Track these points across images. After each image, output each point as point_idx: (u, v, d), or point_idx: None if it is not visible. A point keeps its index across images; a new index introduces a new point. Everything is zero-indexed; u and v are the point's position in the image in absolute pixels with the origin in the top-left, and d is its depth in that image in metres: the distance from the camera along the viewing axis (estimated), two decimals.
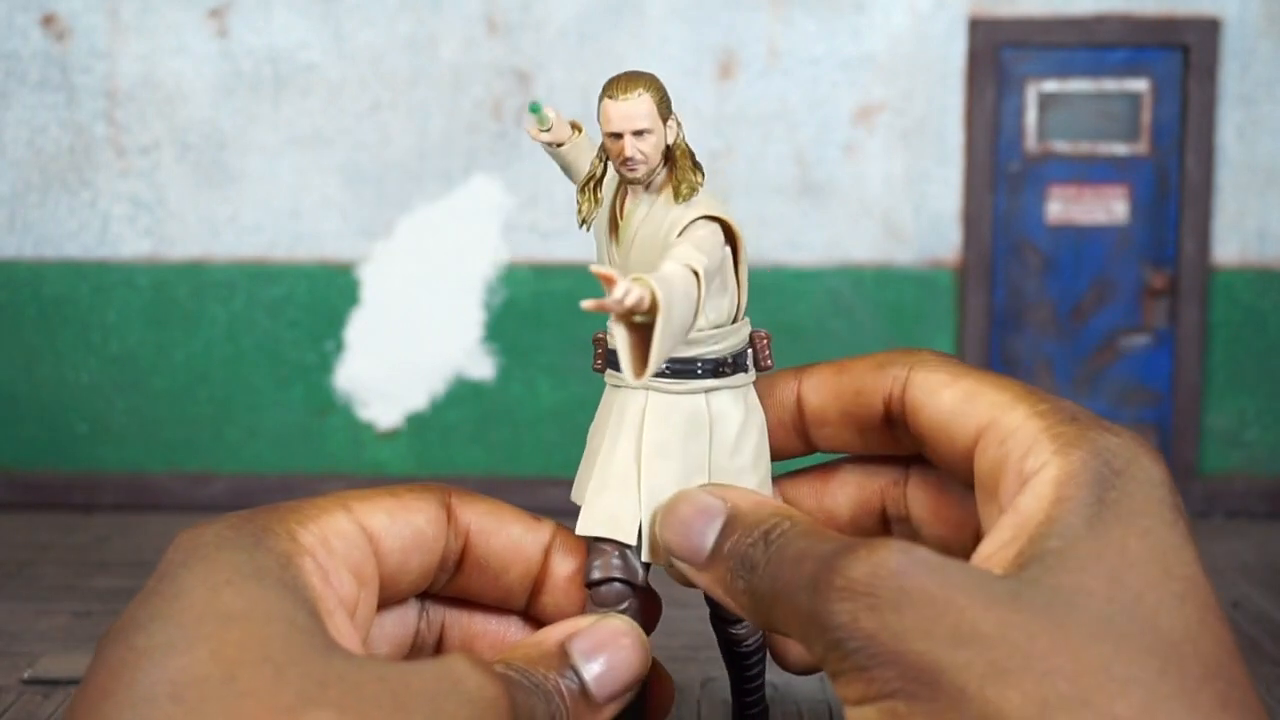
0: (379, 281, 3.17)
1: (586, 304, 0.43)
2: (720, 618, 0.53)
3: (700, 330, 0.51)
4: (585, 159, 0.52)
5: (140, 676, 0.33)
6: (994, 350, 3.34)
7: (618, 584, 0.48)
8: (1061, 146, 3.24)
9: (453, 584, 0.47)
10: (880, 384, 0.49)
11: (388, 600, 0.44)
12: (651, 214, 0.51)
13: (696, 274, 0.46)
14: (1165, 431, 3.39)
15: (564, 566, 0.49)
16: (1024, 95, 3.17)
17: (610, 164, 0.51)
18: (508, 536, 0.47)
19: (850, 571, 0.36)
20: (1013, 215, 3.25)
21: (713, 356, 0.51)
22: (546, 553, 0.48)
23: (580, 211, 0.50)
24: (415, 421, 3.30)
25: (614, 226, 0.50)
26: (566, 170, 0.53)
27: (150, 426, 3.25)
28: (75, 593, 2.36)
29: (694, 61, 3.16)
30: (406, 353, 3.25)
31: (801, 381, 0.50)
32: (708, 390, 0.50)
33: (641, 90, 0.49)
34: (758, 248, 3.33)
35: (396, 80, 3.12)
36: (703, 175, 0.51)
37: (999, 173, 3.21)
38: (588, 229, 0.51)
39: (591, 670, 0.42)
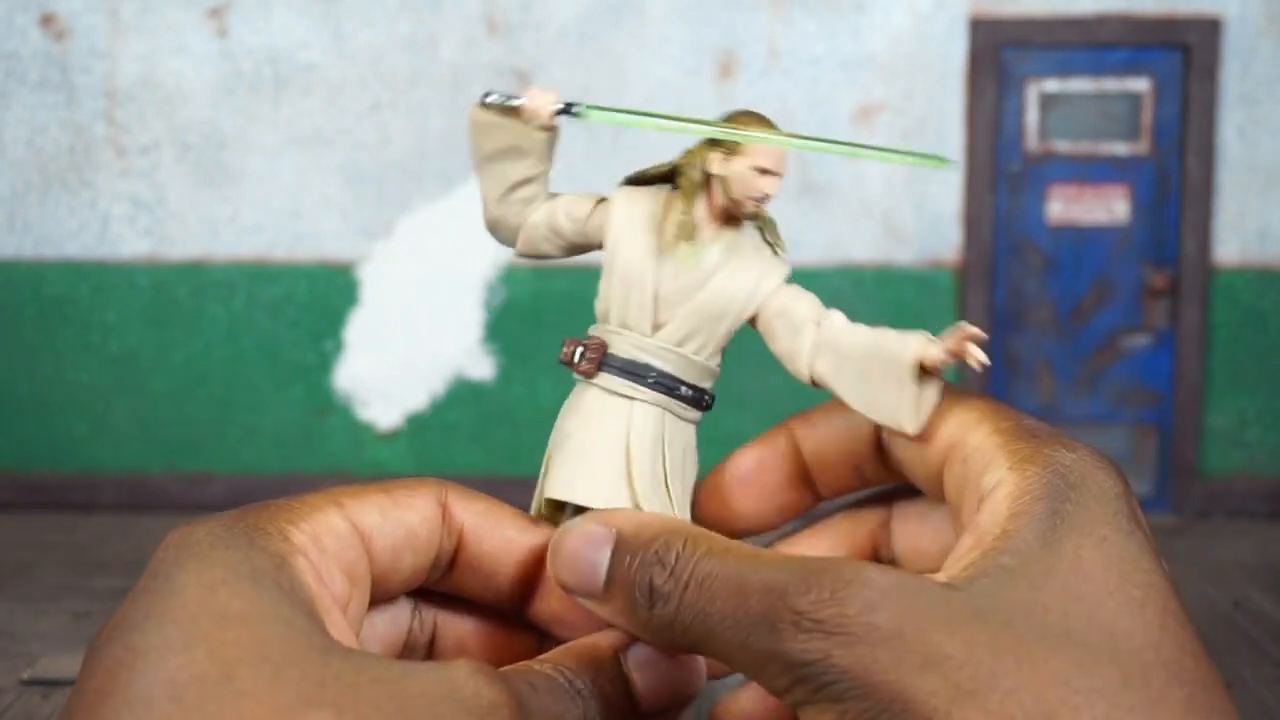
0: (379, 281, 3.17)
1: (981, 360, 0.46)
2: None
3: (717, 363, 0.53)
4: (550, 152, 0.51)
5: (137, 677, 0.33)
6: (994, 350, 3.34)
7: None
8: (1062, 146, 3.24)
9: (445, 581, 0.47)
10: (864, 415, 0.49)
11: (377, 598, 0.44)
12: (745, 251, 0.52)
13: None
14: (1166, 431, 3.39)
15: None
16: (1024, 95, 3.17)
17: (696, 181, 0.51)
18: (501, 538, 0.47)
19: (816, 614, 0.37)
20: (1013, 215, 3.25)
21: (712, 391, 0.53)
22: (541, 557, 0.48)
23: (687, 229, 0.51)
24: (415, 421, 3.30)
25: (690, 238, 0.51)
26: (515, 152, 0.52)
27: (150, 426, 3.25)
28: (75, 593, 2.36)
29: (694, 61, 3.16)
30: (406, 353, 3.25)
31: (794, 431, 0.51)
32: (694, 424, 0.52)
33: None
34: None
35: (396, 80, 3.12)
36: None
37: (999, 173, 3.21)
38: (689, 244, 0.51)
39: (643, 681, 0.42)
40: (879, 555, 0.51)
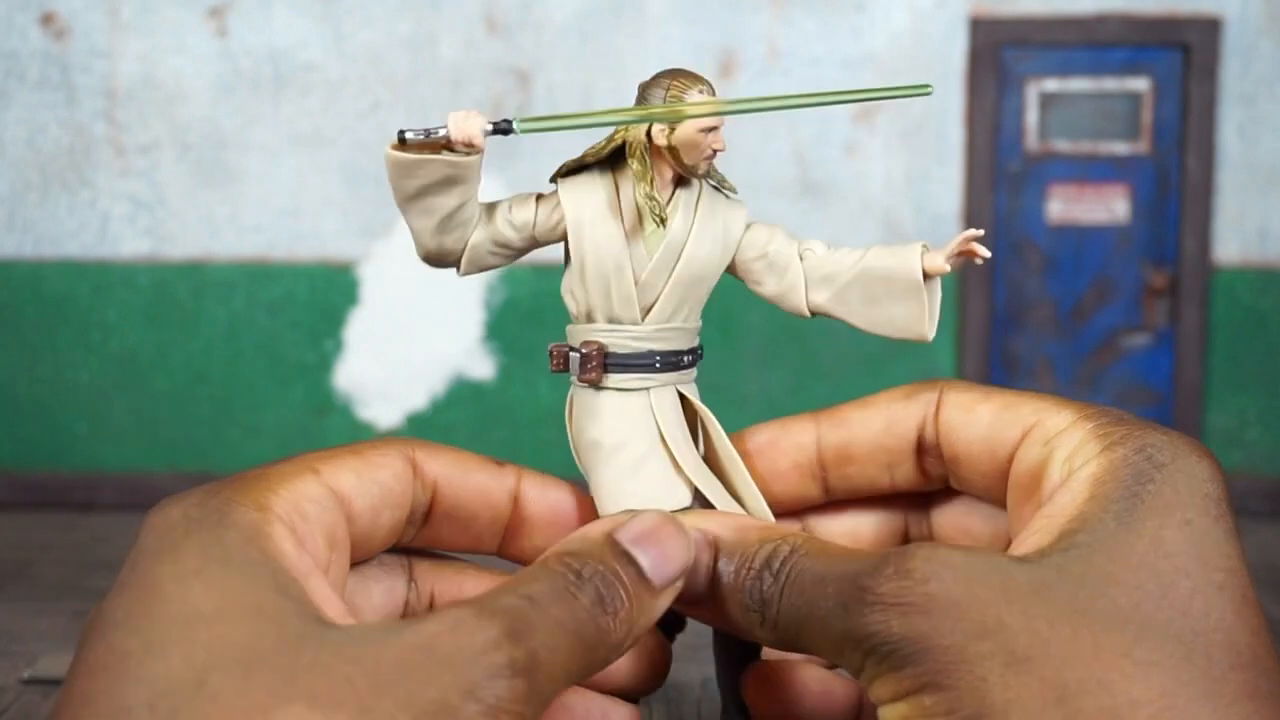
0: (379, 281, 3.17)
1: (986, 255, 0.48)
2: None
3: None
4: (480, 172, 0.49)
5: (117, 684, 0.34)
6: (994, 350, 3.34)
7: None
8: (1062, 146, 3.24)
9: (421, 535, 0.47)
10: (911, 412, 0.49)
11: (358, 559, 0.44)
12: (704, 208, 0.51)
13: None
14: None
15: (536, 507, 0.49)
16: (1024, 94, 3.17)
17: (646, 161, 0.50)
18: (474, 485, 0.47)
19: (879, 588, 0.37)
20: (1013, 214, 3.25)
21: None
22: (515, 498, 0.48)
23: (660, 212, 0.50)
24: (415, 421, 3.30)
25: (641, 219, 0.50)
26: (446, 183, 0.49)
27: (150, 426, 3.24)
28: (75, 592, 2.36)
29: (694, 61, 3.15)
30: (406, 353, 3.25)
31: (819, 421, 0.50)
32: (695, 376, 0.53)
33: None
34: None
35: (396, 79, 3.12)
36: None
37: (999, 172, 3.21)
38: (664, 228, 0.50)
39: (646, 558, 0.42)
40: (910, 536, 0.51)
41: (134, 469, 3.15)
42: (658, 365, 0.51)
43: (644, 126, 0.50)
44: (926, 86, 0.50)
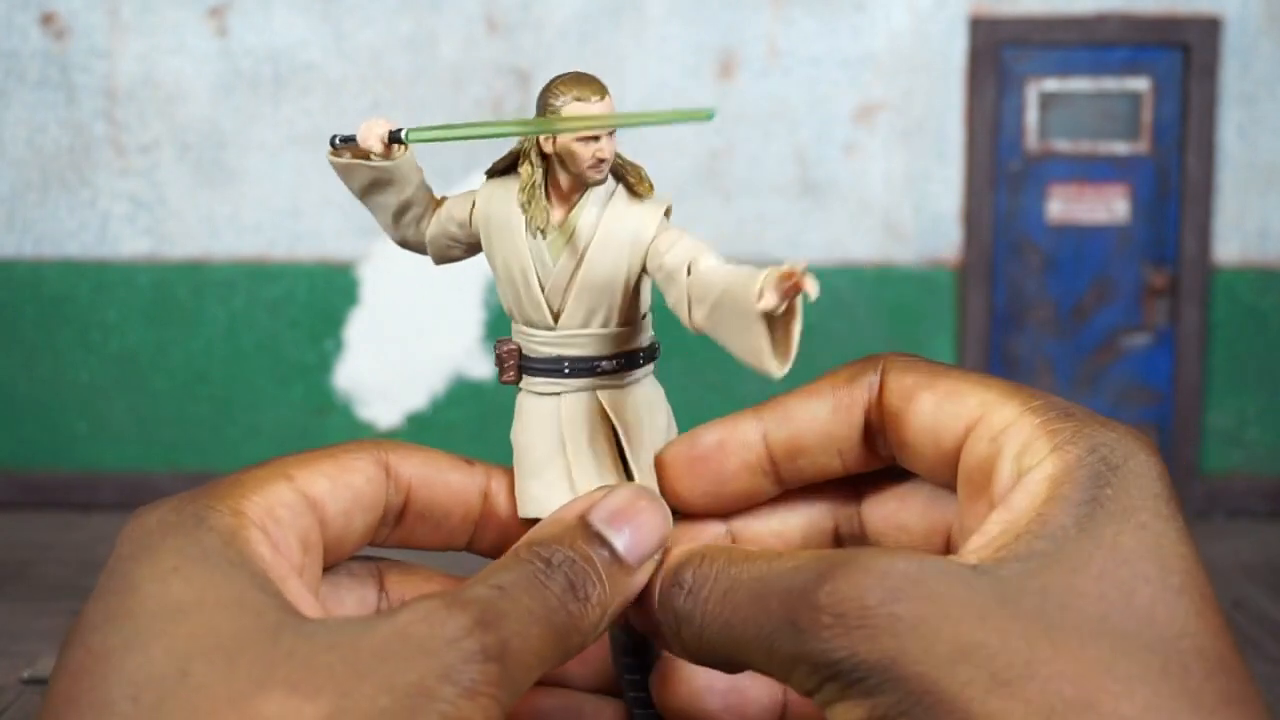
0: (379, 281, 3.17)
1: (815, 290, 0.43)
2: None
3: (644, 318, 0.52)
4: (413, 172, 0.51)
5: (99, 681, 0.34)
6: (994, 350, 3.34)
7: None
8: (1062, 145, 3.24)
9: (394, 535, 0.47)
10: (855, 397, 0.48)
11: (331, 562, 0.45)
12: (611, 212, 0.50)
13: None
14: (1166, 431, 3.39)
15: (505, 503, 0.49)
16: (1024, 94, 3.17)
17: (534, 167, 0.50)
18: (447, 485, 0.47)
19: (837, 609, 0.36)
20: (1013, 214, 3.25)
21: (648, 343, 0.52)
22: (485, 495, 0.49)
23: (537, 221, 0.50)
24: (415, 421, 3.30)
25: (542, 228, 0.50)
26: (380, 183, 0.51)
27: (150, 426, 3.25)
28: (75, 592, 2.36)
29: (694, 60, 3.16)
30: (406, 352, 3.25)
31: (763, 416, 0.50)
32: (642, 379, 0.52)
33: (606, 93, 0.49)
34: (758, 246, 3.32)
35: (396, 79, 3.12)
36: None
37: (999, 172, 3.21)
38: (545, 237, 0.50)
39: (620, 538, 0.42)
40: (840, 532, 0.50)
41: (134, 469, 3.15)
42: (567, 371, 0.51)
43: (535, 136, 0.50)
44: (707, 112, 0.48)
